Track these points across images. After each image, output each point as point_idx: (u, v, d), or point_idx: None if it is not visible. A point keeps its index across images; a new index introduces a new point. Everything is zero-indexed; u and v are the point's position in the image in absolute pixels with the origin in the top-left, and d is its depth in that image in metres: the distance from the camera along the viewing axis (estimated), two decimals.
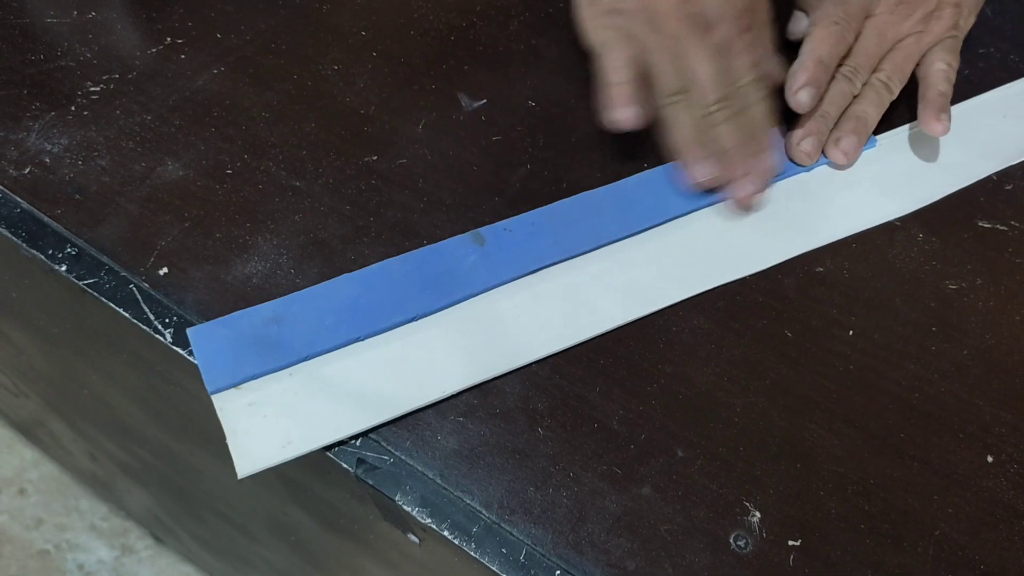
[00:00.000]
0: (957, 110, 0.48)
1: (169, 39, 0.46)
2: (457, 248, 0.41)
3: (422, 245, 0.41)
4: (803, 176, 0.46)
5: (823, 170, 0.46)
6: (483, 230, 0.41)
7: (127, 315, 0.38)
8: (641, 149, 0.45)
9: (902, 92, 0.47)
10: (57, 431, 0.82)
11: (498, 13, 0.49)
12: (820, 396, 0.39)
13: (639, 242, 0.42)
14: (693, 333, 0.40)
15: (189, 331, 0.37)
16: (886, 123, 0.47)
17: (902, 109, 0.48)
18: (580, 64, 0.48)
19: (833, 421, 0.39)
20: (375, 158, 0.43)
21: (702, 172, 0.42)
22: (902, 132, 0.48)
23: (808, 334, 0.41)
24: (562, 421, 0.38)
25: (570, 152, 0.45)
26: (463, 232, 0.41)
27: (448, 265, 0.40)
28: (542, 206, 0.43)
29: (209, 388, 0.36)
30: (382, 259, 0.40)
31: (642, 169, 0.45)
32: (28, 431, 1.02)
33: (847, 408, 0.39)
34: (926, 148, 0.48)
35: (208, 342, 0.37)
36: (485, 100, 0.46)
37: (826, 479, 0.37)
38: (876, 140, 0.47)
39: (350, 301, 0.39)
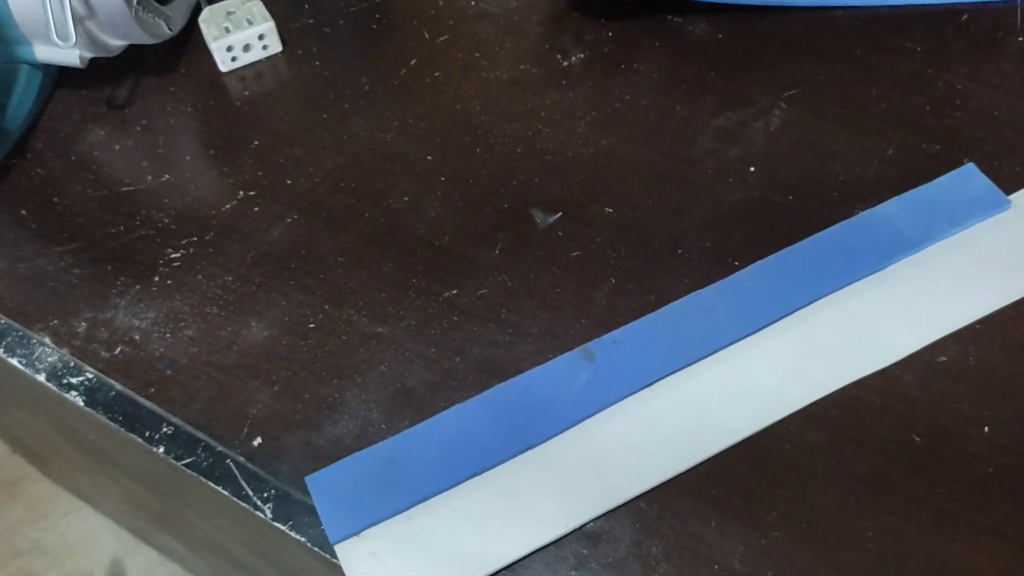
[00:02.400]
0: None
1: (242, 192, 0.46)
2: (567, 367, 0.39)
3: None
4: (921, 256, 0.42)
5: (945, 245, 0.42)
6: (592, 345, 0.40)
7: (226, 493, 0.37)
8: (728, 248, 0.43)
9: None
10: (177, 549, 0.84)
11: (563, 117, 0.48)
12: (960, 507, 0.36)
13: (755, 342, 0.40)
14: (809, 449, 0.38)
15: (308, 480, 0.37)
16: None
17: None
18: (654, 161, 0.46)
19: (979, 536, 0.35)
20: (455, 292, 0.42)
21: None
22: None
23: (938, 436, 0.38)
24: (679, 566, 0.35)
25: (654, 259, 0.43)
26: (550, 361, 0.40)
27: (558, 388, 0.39)
28: (631, 320, 0.41)
29: (332, 539, 0.36)
30: (470, 400, 0.39)
31: (733, 269, 0.42)
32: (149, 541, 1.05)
33: (992, 519, 0.36)
34: None
35: (327, 489, 0.37)
36: (560, 213, 0.45)
37: None
38: (1010, 201, 0.43)
39: (462, 435, 0.38)
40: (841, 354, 0.40)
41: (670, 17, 0.52)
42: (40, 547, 1.17)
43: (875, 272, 0.42)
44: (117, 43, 0.48)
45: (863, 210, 0.44)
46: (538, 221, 0.44)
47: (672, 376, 0.39)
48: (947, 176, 0.44)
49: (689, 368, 0.40)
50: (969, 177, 0.44)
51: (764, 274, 0.42)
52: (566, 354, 0.40)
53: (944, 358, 0.40)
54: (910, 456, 0.37)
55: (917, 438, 0.38)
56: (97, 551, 1.16)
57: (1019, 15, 0.51)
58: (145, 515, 0.76)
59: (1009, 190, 0.44)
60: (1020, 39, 0.50)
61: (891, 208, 0.43)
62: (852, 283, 0.41)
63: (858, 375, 0.39)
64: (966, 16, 0.51)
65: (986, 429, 0.38)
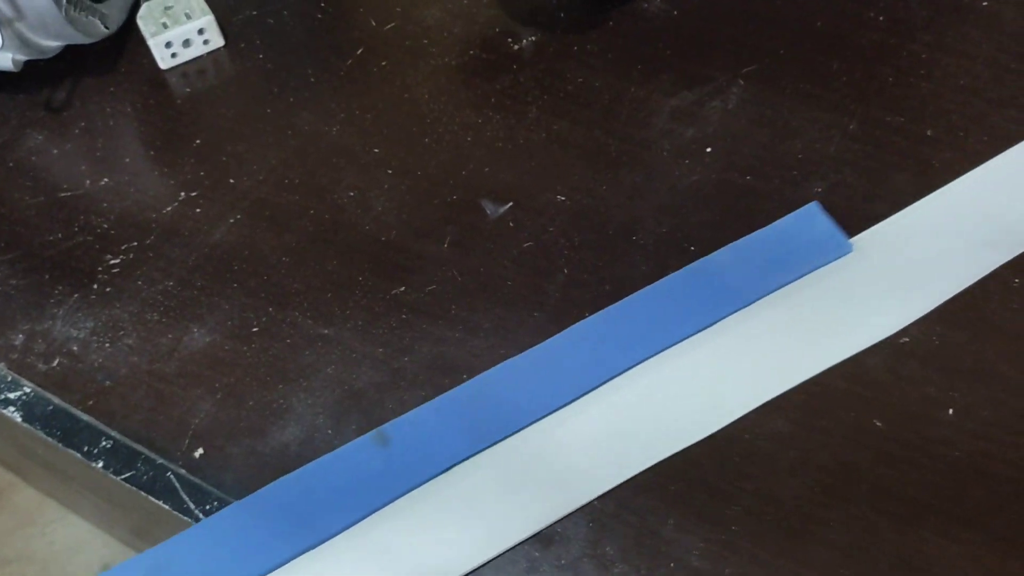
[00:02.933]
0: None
1: (183, 193, 0.44)
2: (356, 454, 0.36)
3: (462, 380, 0.38)
4: (758, 306, 0.39)
5: (785, 293, 0.39)
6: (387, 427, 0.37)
7: (167, 507, 0.36)
8: (685, 233, 0.42)
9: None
10: None
11: (514, 102, 0.46)
12: (930, 496, 0.35)
13: (699, 343, 0.39)
14: (773, 439, 0.36)
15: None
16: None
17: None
18: (608, 145, 0.45)
19: (949, 525, 0.34)
20: (403, 289, 0.41)
21: None
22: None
23: (905, 422, 0.36)
24: (636, 564, 0.34)
25: (609, 247, 0.41)
26: (505, 359, 0.38)
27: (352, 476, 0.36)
28: (586, 312, 0.40)
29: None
30: (421, 404, 0.38)
31: (689, 254, 0.41)
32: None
33: (963, 506, 0.34)
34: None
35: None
36: (511, 203, 0.43)
37: None
38: (851, 245, 0.40)
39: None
40: (795, 350, 0.38)
41: None
42: (28, 555, 1.16)
43: (705, 327, 0.39)
44: (51, 44, 0.46)
45: (823, 188, 0.42)
46: (488, 212, 0.43)
47: (616, 379, 0.38)
48: (789, 217, 0.41)
49: (632, 373, 0.38)
50: (811, 218, 0.41)
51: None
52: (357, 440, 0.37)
53: (907, 339, 0.38)
54: (877, 444, 0.36)
55: (882, 424, 0.36)
56: (87, 557, 1.15)
57: None
58: (122, 523, 0.75)
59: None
60: (985, 3, 0.49)
61: (724, 256, 0.40)
62: (680, 341, 0.38)
63: (811, 373, 0.37)
64: None
65: (952, 412, 0.36)
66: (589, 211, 0.43)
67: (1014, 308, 0.39)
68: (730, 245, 0.40)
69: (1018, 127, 0.44)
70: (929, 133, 0.44)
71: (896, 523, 0.34)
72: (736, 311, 0.39)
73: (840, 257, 0.40)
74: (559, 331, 0.39)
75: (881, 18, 0.48)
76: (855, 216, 0.41)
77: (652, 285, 0.40)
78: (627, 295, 0.40)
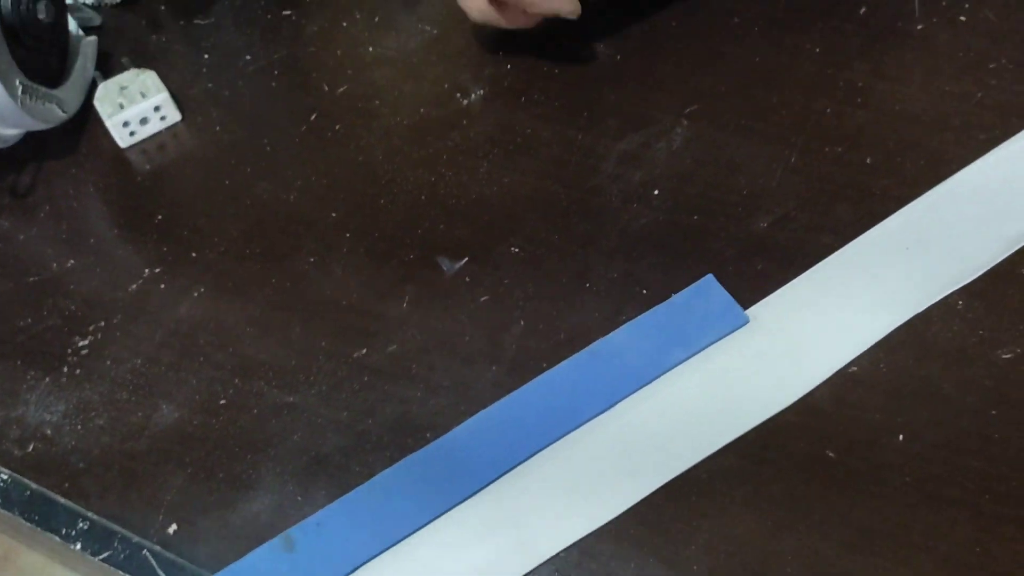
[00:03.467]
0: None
1: (147, 270, 0.45)
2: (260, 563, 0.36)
3: (426, 439, 0.39)
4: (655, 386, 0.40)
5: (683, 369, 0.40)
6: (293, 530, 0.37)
7: None
8: (636, 276, 0.43)
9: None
10: None
11: (466, 158, 0.48)
12: (880, 522, 0.36)
13: (644, 400, 0.39)
14: (726, 476, 0.37)
15: None
16: None
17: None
18: (558, 194, 0.46)
19: (899, 549, 0.35)
20: (364, 351, 0.42)
21: None
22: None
23: (854, 449, 0.37)
24: None
25: (563, 296, 0.43)
26: (466, 415, 0.40)
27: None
28: (543, 363, 0.41)
29: None
30: (389, 465, 0.39)
31: (641, 298, 0.42)
32: None
33: (912, 531, 0.35)
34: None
35: None
36: (466, 258, 0.44)
37: None
38: (747, 317, 0.40)
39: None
40: (736, 403, 0.39)
41: (566, 43, 0.51)
42: None
43: (603, 411, 0.39)
44: (11, 132, 0.48)
45: (767, 222, 0.44)
46: (445, 269, 0.44)
47: (550, 448, 0.38)
48: (686, 291, 0.42)
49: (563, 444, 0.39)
50: (708, 291, 0.41)
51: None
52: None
53: (855, 368, 0.39)
54: (827, 473, 0.37)
55: (832, 454, 0.37)
56: None
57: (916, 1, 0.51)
58: None
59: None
60: (920, 27, 0.50)
61: (621, 336, 0.41)
62: (577, 427, 0.39)
63: (757, 421, 0.38)
64: (864, 9, 0.51)
65: (901, 438, 0.37)
66: (542, 261, 0.44)
67: (955, 329, 0.40)
68: (629, 323, 0.41)
69: (955, 149, 0.45)
70: (868, 161, 0.45)
71: (846, 550, 0.35)
72: (636, 390, 0.39)
73: (737, 328, 0.40)
74: (517, 384, 0.40)
75: (817, 49, 0.50)
76: (802, 250, 0.42)
77: (552, 369, 0.40)
78: (582, 343, 0.41)
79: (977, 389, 0.38)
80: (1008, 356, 0.39)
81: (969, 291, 0.41)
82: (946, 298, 0.41)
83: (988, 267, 0.41)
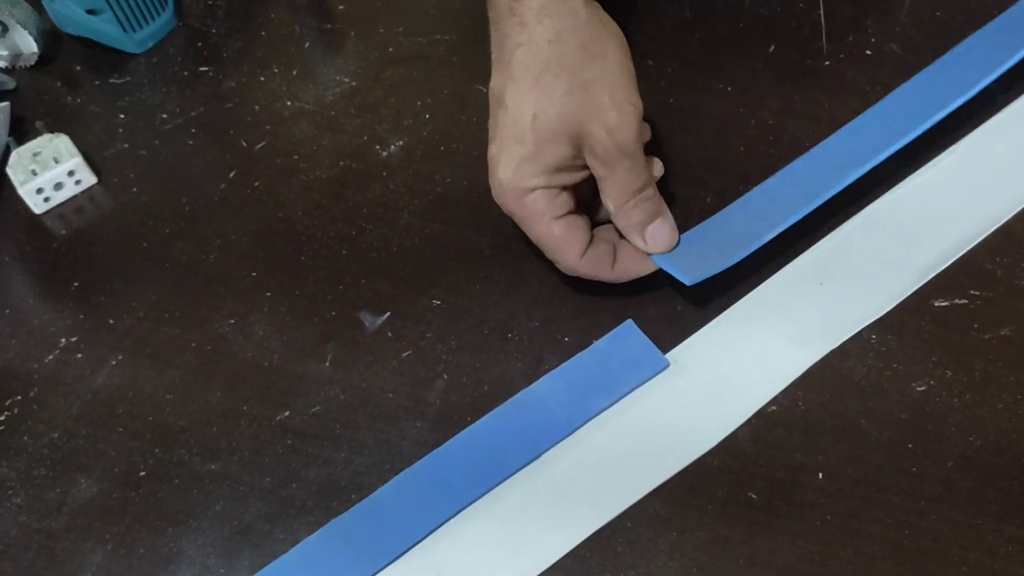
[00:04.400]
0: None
1: (64, 340, 0.45)
2: None
3: (350, 501, 0.39)
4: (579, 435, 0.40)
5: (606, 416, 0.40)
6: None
7: None
8: (557, 324, 0.43)
9: None
10: None
11: (386, 210, 0.48)
12: (802, 562, 0.36)
13: (568, 449, 0.39)
14: (651, 523, 0.37)
15: None
16: None
17: None
18: (479, 243, 0.46)
19: None
20: (287, 413, 0.41)
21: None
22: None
23: (775, 490, 0.38)
24: None
25: (485, 347, 0.43)
26: (391, 474, 0.39)
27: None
28: (467, 417, 0.40)
29: None
30: (314, 530, 0.38)
31: (564, 345, 0.42)
32: None
33: (834, 570, 0.36)
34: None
35: None
36: (389, 313, 0.44)
37: None
38: (667, 360, 0.41)
39: None
40: (662, 446, 0.39)
41: (483, 89, 0.52)
42: None
43: (528, 463, 0.39)
44: None
45: None
46: (367, 324, 0.44)
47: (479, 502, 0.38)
48: (606, 337, 0.42)
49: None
50: (627, 336, 0.42)
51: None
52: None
53: (774, 407, 0.40)
54: (749, 515, 0.37)
55: (754, 496, 0.38)
56: None
57: (823, 34, 0.52)
58: None
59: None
60: (827, 63, 0.51)
61: (543, 386, 0.41)
62: (502, 481, 0.39)
63: (680, 466, 0.38)
64: (774, 47, 0.52)
65: (821, 476, 0.38)
66: (465, 312, 0.44)
67: (869, 364, 0.40)
68: (551, 373, 0.41)
69: (866, 183, 0.45)
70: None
71: None
72: (560, 440, 0.39)
73: (658, 373, 0.41)
74: (442, 439, 0.40)
75: (730, 88, 0.50)
76: (719, 290, 0.43)
77: (476, 423, 0.40)
78: (506, 394, 0.41)
79: (893, 423, 0.39)
80: (922, 388, 0.40)
81: (882, 324, 0.42)
82: (860, 332, 0.41)
83: (900, 299, 0.42)
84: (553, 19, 0.38)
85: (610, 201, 0.41)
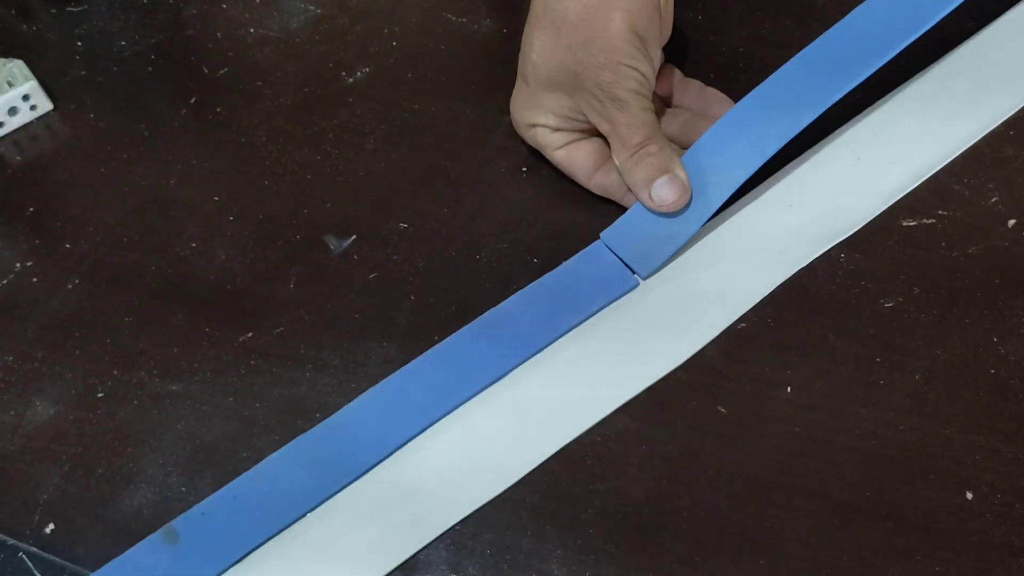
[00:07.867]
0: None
1: (19, 264, 0.43)
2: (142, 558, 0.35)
3: (315, 420, 0.38)
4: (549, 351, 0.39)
5: (576, 333, 0.40)
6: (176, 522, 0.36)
7: None
8: (526, 245, 0.42)
9: None
10: None
11: (352, 135, 0.47)
12: (771, 473, 0.36)
13: (536, 367, 0.39)
14: (620, 438, 0.37)
15: None
16: None
17: None
18: (446, 168, 0.45)
19: (791, 498, 0.35)
20: (251, 335, 0.41)
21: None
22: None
23: (744, 404, 0.38)
24: None
25: (453, 269, 0.42)
26: (357, 393, 0.39)
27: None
28: (435, 336, 0.40)
29: None
30: (276, 449, 0.37)
31: (532, 267, 0.42)
32: None
33: (803, 479, 0.36)
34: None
35: None
36: (354, 236, 0.43)
37: (796, 568, 0.34)
38: (637, 279, 0.41)
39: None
40: (634, 359, 0.39)
41: (453, 18, 0.51)
42: None
43: (500, 378, 0.39)
44: None
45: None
46: (332, 248, 0.43)
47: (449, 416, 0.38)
48: (576, 257, 0.41)
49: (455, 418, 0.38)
50: (597, 256, 0.41)
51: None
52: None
53: (743, 324, 0.39)
54: (718, 429, 0.37)
55: (723, 410, 0.37)
56: None
57: None
58: None
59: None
60: None
61: (512, 305, 0.40)
62: (470, 398, 0.38)
63: (653, 379, 0.38)
64: None
65: (789, 389, 0.38)
66: (432, 235, 0.43)
67: (838, 282, 0.40)
68: (520, 292, 0.40)
69: (835, 110, 0.45)
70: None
71: (739, 503, 0.35)
72: (528, 358, 0.39)
73: (628, 291, 0.40)
74: (409, 359, 0.39)
75: (700, 17, 0.50)
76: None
77: (443, 342, 0.39)
78: (475, 314, 0.40)
79: (861, 338, 0.39)
80: (890, 305, 0.40)
81: (851, 243, 0.41)
82: (829, 252, 0.41)
83: (868, 220, 0.42)
84: None
85: (615, 156, 0.41)
